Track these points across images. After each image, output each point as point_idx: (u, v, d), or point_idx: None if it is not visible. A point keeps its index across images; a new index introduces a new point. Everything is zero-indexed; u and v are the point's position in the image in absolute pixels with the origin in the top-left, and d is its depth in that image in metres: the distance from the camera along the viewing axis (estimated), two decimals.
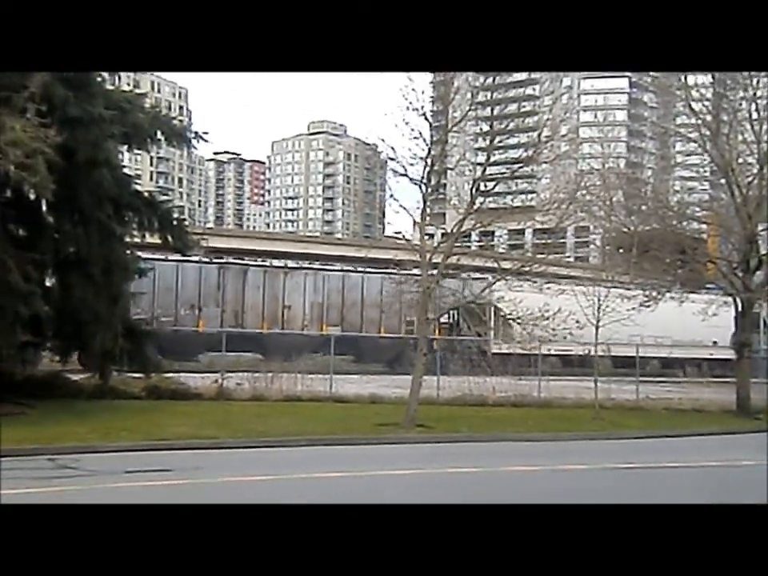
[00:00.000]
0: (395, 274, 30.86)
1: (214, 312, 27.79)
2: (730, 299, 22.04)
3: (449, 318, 29.78)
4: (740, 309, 21.06)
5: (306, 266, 31.36)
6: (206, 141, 19.51)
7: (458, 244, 17.92)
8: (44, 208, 15.90)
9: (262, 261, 31.10)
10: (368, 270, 31.60)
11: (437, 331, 29.57)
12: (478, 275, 18.39)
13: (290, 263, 30.92)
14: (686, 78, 20.94)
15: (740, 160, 20.95)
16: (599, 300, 18.42)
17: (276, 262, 30.82)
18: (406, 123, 15.48)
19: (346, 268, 31.96)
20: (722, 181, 21.65)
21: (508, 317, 16.15)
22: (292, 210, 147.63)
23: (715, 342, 32.43)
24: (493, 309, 20.29)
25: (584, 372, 24.43)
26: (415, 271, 17.27)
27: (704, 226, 24.14)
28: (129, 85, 27.36)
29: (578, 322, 17.67)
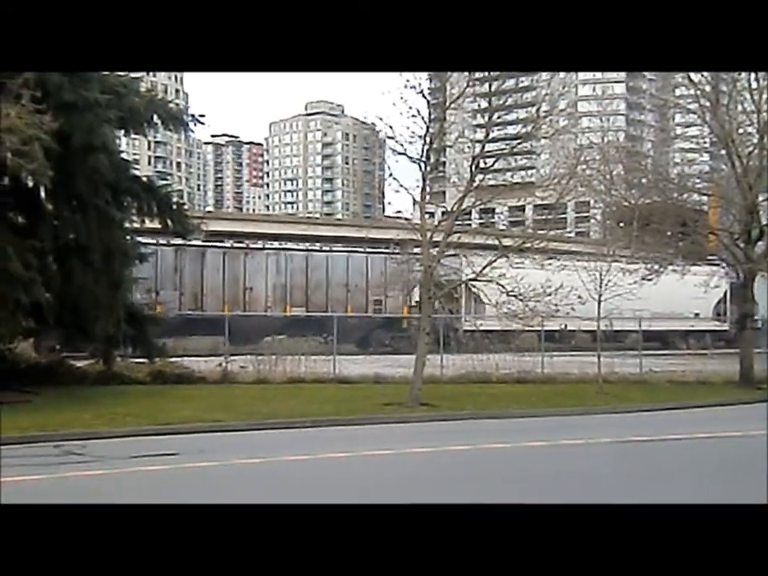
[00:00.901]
0: (360, 252, 30.82)
1: (172, 295, 27.01)
2: (714, 270, 22.02)
3: (420, 296, 29.73)
4: (742, 280, 21.05)
5: (268, 246, 30.77)
6: (203, 124, 19.51)
7: (459, 222, 17.86)
8: (42, 195, 15.85)
9: (219, 241, 30.24)
10: (333, 249, 31.43)
11: (405, 309, 29.64)
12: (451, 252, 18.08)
13: (251, 244, 30.29)
14: None
15: (740, 130, 20.83)
16: (601, 275, 18.39)
17: (236, 243, 30.22)
18: (404, 101, 15.39)
19: (311, 247, 31.58)
20: (723, 152, 21.55)
21: (510, 293, 16.11)
22: (291, 191, 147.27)
23: (697, 314, 32.43)
24: (464, 286, 20.09)
25: (559, 347, 24.45)
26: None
27: (705, 198, 24.06)
28: None
29: (579, 297, 17.66)
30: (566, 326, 20.88)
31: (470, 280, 16.82)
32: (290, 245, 32.05)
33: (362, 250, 31.46)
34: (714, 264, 24.76)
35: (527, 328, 19.34)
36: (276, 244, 31.65)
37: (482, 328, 22.77)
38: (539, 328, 20.01)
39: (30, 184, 14.94)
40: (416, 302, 29.04)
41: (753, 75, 20.26)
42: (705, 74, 21.02)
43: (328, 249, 31.33)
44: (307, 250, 30.94)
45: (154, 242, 24.34)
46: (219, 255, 28.61)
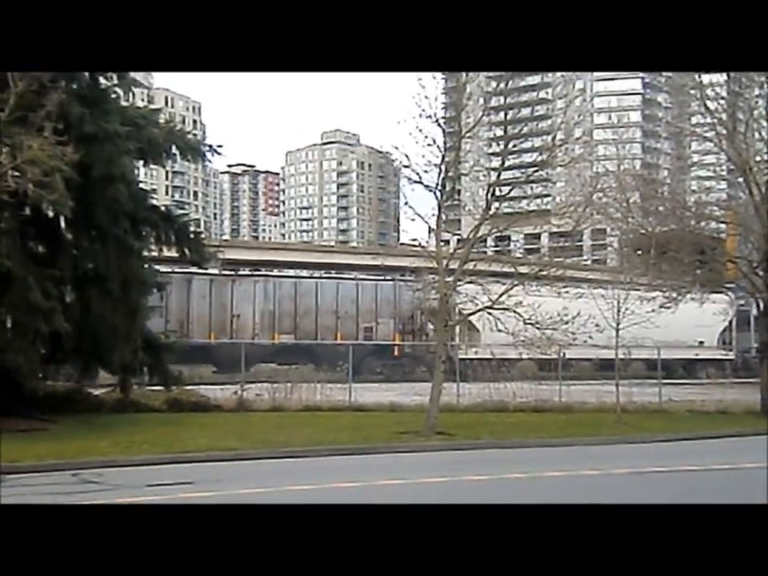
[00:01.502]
0: (351, 279, 30.73)
1: (158, 323, 25.96)
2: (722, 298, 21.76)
3: (412, 324, 29.75)
4: (761, 309, 20.84)
5: (256, 273, 30.72)
6: (220, 154, 19.77)
7: (474, 249, 17.85)
8: (62, 225, 16.06)
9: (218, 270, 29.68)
10: (323, 275, 31.36)
11: (397, 337, 29.50)
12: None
13: (239, 270, 30.13)
14: (700, 77, 20.80)
15: (757, 158, 20.77)
16: (618, 303, 18.27)
17: (223, 270, 29.89)
18: (420, 130, 15.48)
19: (299, 274, 31.47)
20: (740, 179, 21.46)
21: (527, 321, 16.03)
22: (307, 219, 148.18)
23: (701, 343, 32.02)
24: (459, 314, 19.97)
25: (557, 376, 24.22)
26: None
27: (722, 226, 23.91)
28: (143, 101, 27.62)
29: (597, 325, 17.53)
30: (564, 354, 20.80)
31: (487, 308, 16.76)
32: (277, 271, 31.95)
33: (351, 276, 31.46)
34: (720, 292, 24.56)
35: (524, 357, 19.22)
36: (264, 270, 31.56)
37: (477, 356, 22.70)
38: (537, 356, 19.80)
39: (51, 214, 15.16)
40: (410, 330, 29.17)
41: None
42: (721, 101, 21.05)
43: (318, 275, 31.28)
44: (296, 277, 30.86)
45: None
46: (206, 282, 28.37)
